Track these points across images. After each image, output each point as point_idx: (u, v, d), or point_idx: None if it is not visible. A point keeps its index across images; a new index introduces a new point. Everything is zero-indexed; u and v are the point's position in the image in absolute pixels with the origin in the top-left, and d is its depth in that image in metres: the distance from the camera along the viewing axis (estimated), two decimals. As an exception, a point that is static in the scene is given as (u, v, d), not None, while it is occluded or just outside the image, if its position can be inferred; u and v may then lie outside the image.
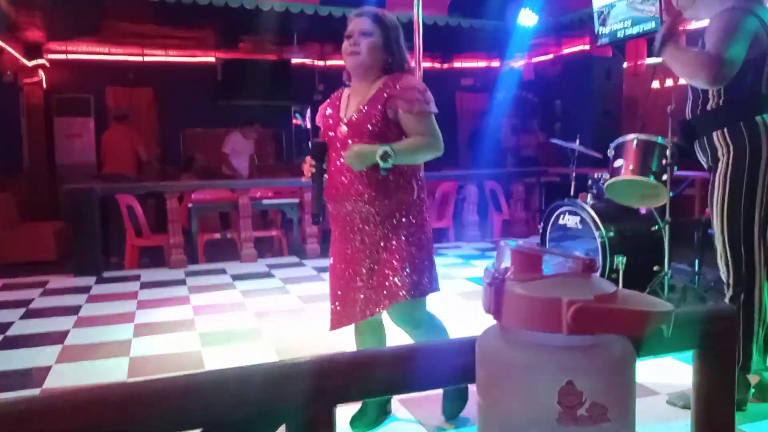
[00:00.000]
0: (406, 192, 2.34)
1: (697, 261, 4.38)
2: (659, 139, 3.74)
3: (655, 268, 4.08)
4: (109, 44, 9.47)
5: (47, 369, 3.48)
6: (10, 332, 4.24)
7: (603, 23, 7.15)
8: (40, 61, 8.95)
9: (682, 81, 2.74)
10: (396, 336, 2.64)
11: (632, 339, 0.61)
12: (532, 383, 0.56)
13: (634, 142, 3.82)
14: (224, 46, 9.80)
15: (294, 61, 10.44)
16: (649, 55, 7.78)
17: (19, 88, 8.74)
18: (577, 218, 4.65)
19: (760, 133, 2.42)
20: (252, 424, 0.66)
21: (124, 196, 6.54)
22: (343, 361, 0.70)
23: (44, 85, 9.19)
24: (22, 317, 4.61)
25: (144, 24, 8.15)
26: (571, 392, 0.55)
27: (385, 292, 2.32)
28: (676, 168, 3.69)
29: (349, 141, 2.33)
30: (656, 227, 4.34)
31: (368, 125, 2.31)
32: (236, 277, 5.86)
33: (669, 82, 8.08)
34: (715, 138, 2.51)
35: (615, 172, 3.89)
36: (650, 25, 6.60)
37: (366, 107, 2.33)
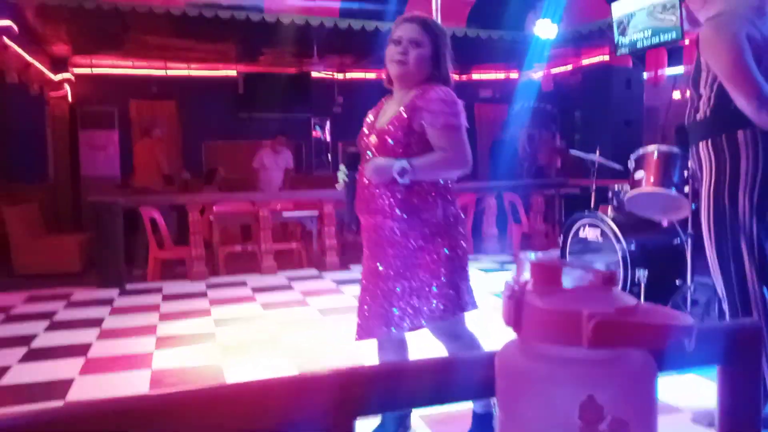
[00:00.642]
0: (432, 208, 2.27)
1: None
2: (680, 150, 3.70)
3: (678, 281, 4.03)
4: (133, 58, 9.62)
5: (70, 381, 3.52)
6: (35, 344, 4.29)
7: (623, 33, 7.12)
8: (66, 74, 9.10)
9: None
10: (421, 350, 2.63)
11: (654, 353, 0.61)
12: (552, 397, 0.56)
13: (655, 154, 3.78)
14: (245, 59, 9.90)
15: (314, 73, 10.51)
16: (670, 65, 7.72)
17: (45, 101, 8.90)
18: (598, 231, 4.60)
19: (739, 147, 2.35)
20: (272, 437, 0.66)
21: (147, 208, 6.61)
22: (364, 373, 0.70)
23: (69, 99, 9.34)
24: (47, 329, 4.67)
25: (167, 38, 8.25)
26: (591, 407, 0.55)
27: (421, 309, 2.28)
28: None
29: (374, 152, 2.29)
30: (678, 240, 4.29)
31: (392, 137, 2.26)
32: (257, 290, 5.89)
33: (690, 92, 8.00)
34: (701, 148, 2.46)
35: (636, 184, 3.85)
36: (671, 35, 6.56)
37: (397, 118, 2.27)
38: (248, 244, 7.36)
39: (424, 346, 2.63)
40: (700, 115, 2.46)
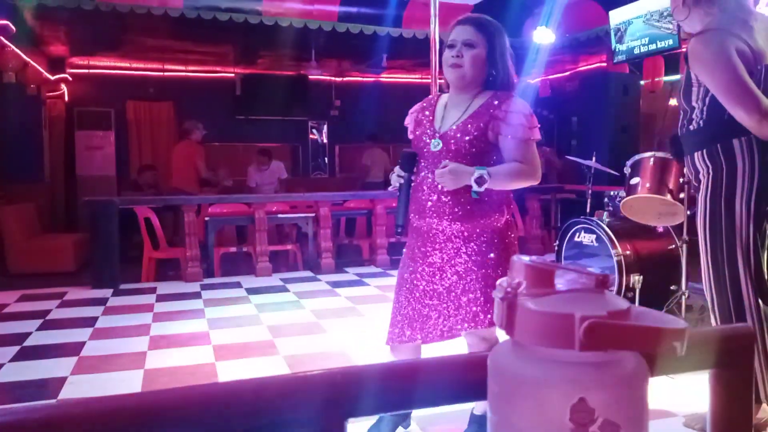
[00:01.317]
0: (495, 216, 2.26)
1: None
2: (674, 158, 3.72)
3: (673, 287, 4.04)
4: (130, 59, 9.63)
5: (63, 380, 3.51)
6: (27, 343, 4.28)
7: (620, 40, 7.15)
8: (63, 75, 9.11)
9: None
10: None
11: (646, 357, 0.61)
12: (543, 399, 0.56)
13: (651, 160, 3.80)
14: (243, 61, 9.91)
15: (311, 76, 10.53)
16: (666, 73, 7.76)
17: (41, 101, 8.89)
18: (593, 236, 4.62)
19: (735, 156, 2.36)
20: (264, 437, 0.66)
21: (142, 208, 6.60)
22: (356, 374, 0.70)
23: (66, 99, 9.35)
24: (39, 328, 4.66)
25: (164, 39, 8.27)
26: (583, 409, 0.55)
27: (466, 316, 2.25)
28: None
29: (442, 157, 2.24)
30: (673, 246, 4.31)
31: (466, 143, 2.21)
32: (251, 291, 5.88)
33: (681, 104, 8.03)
34: (696, 158, 2.47)
35: (631, 189, 3.87)
36: (668, 43, 6.59)
37: (466, 124, 2.23)
38: (243, 246, 7.36)
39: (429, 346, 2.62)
40: (693, 126, 2.46)
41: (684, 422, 2.71)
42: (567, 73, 9.89)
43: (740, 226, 2.37)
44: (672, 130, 3.10)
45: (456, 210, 2.23)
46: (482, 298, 2.24)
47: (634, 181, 3.85)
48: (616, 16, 7.13)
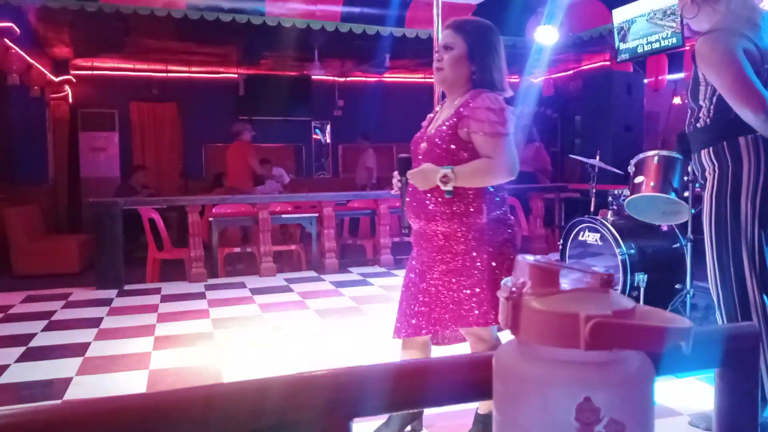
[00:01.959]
0: (474, 214, 2.26)
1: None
2: (680, 156, 3.71)
3: (677, 286, 4.03)
4: (134, 60, 9.64)
5: (68, 380, 3.52)
6: (33, 343, 4.29)
7: (623, 39, 7.13)
8: (67, 76, 9.12)
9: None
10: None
11: (651, 356, 0.61)
12: (549, 399, 0.56)
13: (655, 159, 3.79)
14: (246, 62, 9.91)
15: (314, 77, 10.53)
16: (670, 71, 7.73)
17: (45, 103, 8.91)
18: (598, 235, 4.61)
19: (741, 153, 2.36)
20: (269, 437, 0.66)
21: (146, 209, 6.61)
22: (361, 374, 0.70)
23: (70, 100, 9.36)
24: (45, 329, 4.67)
25: (168, 40, 8.28)
26: (588, 408, 0.55)
27: (454, 314, 2.28)
28: (698, 185, 3.65)
29: (423, 158, 2.31)
30: (678, 244, 4.29)
31: (440, 144, 2.27)
32: (255, 291, 5.89)
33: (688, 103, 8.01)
34: (703, 156, 2.47)
35: (636, 188, 3.86)
36: (671, 41, 6.57)
37: (443, 124, 2.29)
38: (247, 246, 7.37)
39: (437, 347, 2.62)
40: (700, 124, 2.47)
41: (689, 421, 2.71)
42: (570, 72, 9.87)
43: (745, 224, 2.37)
44: (677, 127, 3.09)
45: (437, 210, 2.27)
46: (473, 298, 2.26)
47: (639, 179, 3.84)
48: (620, 15, 7.11)
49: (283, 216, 7.23)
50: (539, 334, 0.58)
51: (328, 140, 11.35)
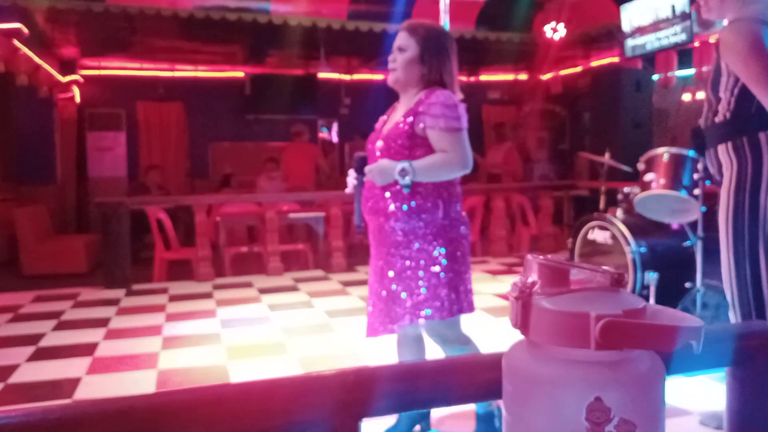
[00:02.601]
0: (433, 209, 2.31)
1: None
2: (690, 153, 3.68)
3: (688, 284, 4.00)
4: (141, 60, 9.66)
5: (77, 380, 3.54)
6: (42, 343, 4.31)
7: (632, 35, 7.10)
8: (74, 76, 9.16)
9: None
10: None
11: (662, 355, 0.60)
12: (559, 399, 0.56)
13: (665, 156, 3.77)
14: (252, 60, 9.92)
15: (321, 75, 10.52)
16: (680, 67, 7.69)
17: (53, 103, 8.95)
18: (607, 233, 4.59)
19: (762, 149, 2.34)
20: (277, 437, 0.66)
21: (153, 209, 6.63)
22: (369, 374, 0.70)
23: (77, 100, 9.40)
24: (54, 329, 4.70)
25: (174, 40, 8.30)
26: (599, 408, 0.54)
27: (419, 308, 2.31)
28: (708, 182, 3.63)
29: (380, 155, 2.36)
30: (688, 243, 4.27)
31: (396, 141, 2.32)
32: (263, 291, 5.90)
33: (700, 95, 7.97)
34: (720, 151, 2.45)
35: (645, 186, 3.83)
36: (680, 37, 6.53)
37: (398, 123, 2.34)
38: (254, 246, 7.37)
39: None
40: (719, 118, 2.44)
41: (700, 420, 2.69)
42: (579, 69, 9.82)
43: (764, 221, 2.35)
44: (686, 124, 3.07)
45: (394, 206, 2.30)
46: (427, 293, 2.29)
47: (648, 177, 3.82)
48: (628, 11, 7.08)
49: (290, 215, 7.24)
50: (549, 334, 0.57)
51: (335, 139, 11.35)
